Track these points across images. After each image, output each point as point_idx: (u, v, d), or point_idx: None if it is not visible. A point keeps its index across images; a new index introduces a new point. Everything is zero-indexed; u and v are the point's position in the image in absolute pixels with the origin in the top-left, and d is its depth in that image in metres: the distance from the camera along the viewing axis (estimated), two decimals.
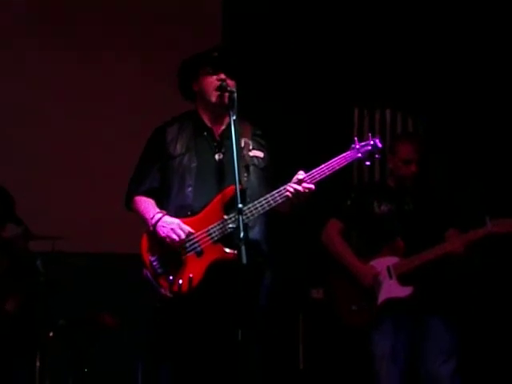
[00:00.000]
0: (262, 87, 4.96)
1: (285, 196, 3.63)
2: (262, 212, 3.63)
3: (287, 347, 5.46)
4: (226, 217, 3.59)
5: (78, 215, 5.57)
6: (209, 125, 3.81)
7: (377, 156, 3.79)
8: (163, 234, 3.62)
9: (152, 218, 3.66)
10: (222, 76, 3.72)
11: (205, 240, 3.63)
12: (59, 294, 4.92)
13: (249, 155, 3.76)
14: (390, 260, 4.51)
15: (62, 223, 5.33)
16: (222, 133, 3.77)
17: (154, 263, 3.65)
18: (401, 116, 5.94)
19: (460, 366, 4.46)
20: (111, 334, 5.08)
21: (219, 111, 3.74)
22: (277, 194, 3.64)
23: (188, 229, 3.62)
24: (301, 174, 3.64)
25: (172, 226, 3.61)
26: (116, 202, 4.26)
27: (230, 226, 3.56)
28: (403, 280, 4.47)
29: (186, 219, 3.66)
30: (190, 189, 3.70)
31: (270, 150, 3.86)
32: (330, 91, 5.79)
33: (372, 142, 3.75)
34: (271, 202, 3.63)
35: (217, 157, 3.75)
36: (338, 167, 3.67)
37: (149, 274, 3.65)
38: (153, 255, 3.66)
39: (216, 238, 3.62)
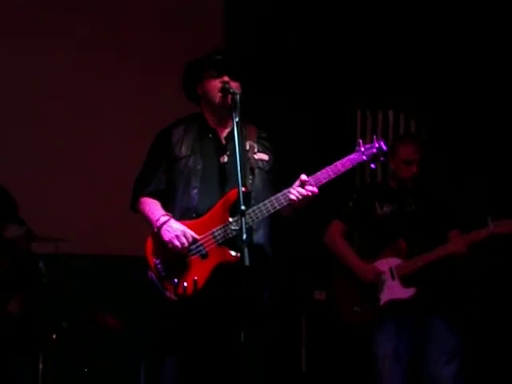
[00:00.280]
0: (264, 89, 4.94)
1: (289, 199, 3.62)
2: (266, 215, 3.63)
3: (290, 349, 5.45)
4: (230, 219, 3.59)
5: (81, 217, 5.56)
6: (214, 127, 3.82)
7: (382, 159, 3.79)
8: (167, 239, 3.62)
9: (157, 221, 3.66)
10: (226, 78, 3.72)
11: (209, 243, 3.63)
12: (62, 295, 4.92)
13: (254, 158, 3.76)
14: (393, 261, 4.52)
15: (64, 225, 5.33)
16: (228, 135, 3.77)
17: (159, 266, 3.65)
18: (403, 117, 5.94)
19: (463, 367, 4.46)
20: (114, 336, 5.07)
21: (224, 114, 3.74)
22: (281, 197, 3.63)
23: (192, 235, 3.62)
24: (304, 177, 3.64)
25: (177, 233, 3.61)
26: (119, 204, 4.27)
27: (233, 228, 3.57)
28: (406, 281, 4.47)
29: (190, 221, 3.66)
30: (195, 191, 3.70)
31: (274, 152, 3.87)
32: (333, 92, 5.79)
33: (377, 145, 3.74)
34: (276, 204, 3.63)
35: (222, 159, 3.75)
36: (342, 170, 3.67)
37: (154, 277, 3.65)
38: (157, 258, 3.66)
39: (220, 241, 3.62)
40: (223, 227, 3.62)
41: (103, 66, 5.85)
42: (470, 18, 5.60)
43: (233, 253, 3.57)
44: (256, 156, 3.78)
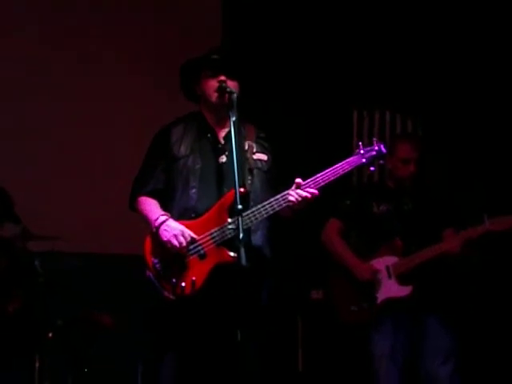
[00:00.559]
0: (261, 89, 4.95)
1: (288, 201, 3.62)
2: (265, 216, 3.63)
3: (287, 348, 5.46)
4: (229, 220, 3.58)
5: (77, 215, 5.56)
6: (213, 127, 3.81)
7: (381, 162, 3.80)
8: (165, 239, 3.62)
9: (156, 220, 3.65)
10: (223, 78, 3.72)
11: (208, 243, 3.62)
12: (57, 294, 4.91)
13: (252, 158, 3.76)
14: (389, 260, 4.53)
15: (60, 223, 5.33)
16: (226, 135, 3.76)
17: (157, 265, 3.64)
18: (400, 117, 5.95)
19: (459, 365, 4.46)
20: (110, 334, 5.07)
21: (222, 113, 3.72)
22: (281, 199, 3.63)
23: (191, 235, 3.61)
24: (299, 181, 3.64)
25: (175, 232, 3.60)
26: (115, 203, 4.27)
27: (230, 227, 3.56)
28: (402, 280, 4.48)
29: (189, 221, 3.66)
30: (193, 190, 3.70)
31: (273, 152, 3.86)
32: (330, 92, 5.79)
33: (377, 148, 3.74)
34: (275, 206, 3.63)
35: (220, 159, 3.75)
36: (342, 172, 3.67)
37: (152, 276, 3.64)
38: (156, 257, 3.66)
39: (219, 242, 3.61)
40: (221, 228, 3.61)
41: (102, 66, 5.84)
42: (464, 18, 5.61)
43: (231, 253, 3.55)
44: (255, 156, 3.77)
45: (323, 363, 5.49)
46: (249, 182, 3.70)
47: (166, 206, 3.74)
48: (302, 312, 5.51)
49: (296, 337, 5.48)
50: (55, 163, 5.67)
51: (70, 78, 5.75)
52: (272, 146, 3.88)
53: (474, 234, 4.39)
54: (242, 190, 3.58)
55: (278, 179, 3.80)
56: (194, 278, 3.59)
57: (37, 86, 5.67)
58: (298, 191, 3.62)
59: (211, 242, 3.62)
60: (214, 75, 3.74)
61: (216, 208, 3.65)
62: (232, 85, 3.72)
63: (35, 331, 4.82)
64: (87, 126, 5.71)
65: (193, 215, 3.68)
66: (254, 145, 3.80)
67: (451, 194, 4.98)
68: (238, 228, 3.38)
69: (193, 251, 3.63)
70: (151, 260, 3.66)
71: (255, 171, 3.75)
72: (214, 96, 3.73)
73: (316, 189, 3.63)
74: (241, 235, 3.36)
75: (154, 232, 3.66)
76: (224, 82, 3.71)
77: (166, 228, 3.63)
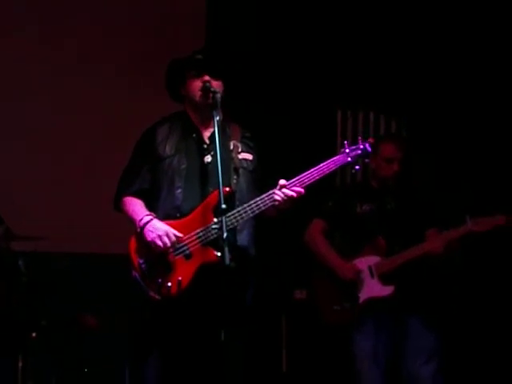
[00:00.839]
0: (245, 89, 4.96)
1: (274, 199, 3.63)
2: (251, 215, 3.64)
3: (270, 349, 5.46)
4: (215, 219, 3.58)
5: (61, 215, 5.54)
6: (198, 127, 3.82)
7: (366, 160, 3.82)
8: (149, 239, 3.62)
9: (140, 221, 3.65)
10: (206, 78, 3.72)
11: (193, 243, 3.63)
12: (42, 294, 4.90)
13: (238, 158, 3.76)
14: (372, 259, 4.54)
15: (44, 223, 5.32)
16: (211, 135, 3.75)
17: (143, 265, 3.64)
18: (384, 117, 5.97)
19: (442, 365, 4.48)
20: (95, 335, 5.07)
21: (207, 113, 3.72)
22: (266, 198, 3.64)
23: (176, 235, 3.61)
24: (282, 182, 3.65)
25: (159, 233, 3.60)
26: (100, 203, 4.26)
27: (214, 227, 3.57)
28: (385, 279, 4.49)
29: (175, 221, 3.66)
30: (179, 190, 3.70)
31: (258, 151, 3.87)
32: (314, 93, 5.80)
33: (362, 146, 3.76)
34: (260, 205, 3.64)
35: (205, 159, 3.76)
36: (327, 171, 3.68)
37: (137, 276, 3.64)
38: (141, 257, 3.66)
39: (204, 241, 3.62)
40: (206, 228, 3.62)
41: (89, 65, 5.83)
42: (448, 20, 5.64)
43: (217, 253, 3.55)
44: (240, 156, 3.78)
45: (307, 363, 5.49)
46: (234, 181, 3.71)
47: (151, 206, 3.74)
48: (285, 312, 5.51)
49: (280, 337, 5.48)
50: (40, 163, 5.65)
51: (57, 74, 5.74)
52: (257, 145, 3.89)
53: (457, 234, 4.40)
54: (227, 189, 3.60)
55: (263, 179, 3.80)
56: (179, 278, 3.60)
57: (22, 84, 5.65)
58: (284, 190, 3.63)
59: (197, 241, 3.63)
60: (198, 75, 3.74)
61: (201, 208, 3.66)
62: (216, 85, 3.72)
63: (19, 331, 4.81)
64: (73, 127, 5.70)
65: (178, 215, 3.68)
66: (239, 144, 3.81)
67: (435, 194, 4.99)
68: (221, 228, 3.39)
69: (178, 251, 3.63)
70: (137, 260, 3.66)
71: (241, 171, 3.76)
72: (198, 96, 3.74)
73: (302, 188, 3.64)
74: (225, 235, 3.37)
75: (139, 232, 3.66)
76: (208, 82, 3.72)
77: (150, 228, 3.63)
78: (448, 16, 5.65)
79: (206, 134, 3.81)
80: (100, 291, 5.26)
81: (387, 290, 4.47)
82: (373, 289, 4.49)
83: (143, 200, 3.76)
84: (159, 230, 3.62)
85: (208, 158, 3.76)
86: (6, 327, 4.81)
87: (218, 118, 3.60)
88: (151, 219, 3.65)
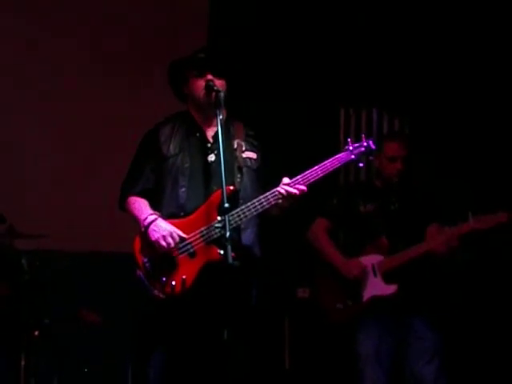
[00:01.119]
0: (248, 88, 4.95)
1: (277, 198, 3.63)
2: (254, 213, 3.63)
3: (273, 347, 5.46)
4: (219, 218, 3.58)
5: (64, 214, 5.55)
6: (201, 126, 3.81)
7: (370, 158, 3.82)
8: (153, 239, 3.62)
9: (145, 220, 3.65)
10: (209, 76, 3.72)
11: (197, 242, 3.63)
12: (44, 292, 4.90)
13: (242, 156, 3.76)
14: (375, 258, 4.54)
15: (47, 222, 5.32)
16: (215, 134, 3.74)
17: (147, 264, 3.64)
18: (387, 116, 5.96)
19: (445, 365, 4.48)
20: (98, 334, 5.07)
21: (210, 112, 3.72)
22: (270, 196, 3.64)
23: (180, 235, 3.62)
24: (286, 180, 3.65)
25: (163, 233, 3.61)
26: (102, 201, 4.26)
27: (216, 225, 3.57)
28: (388, 278, 4.49)
29: (179, 220, 3.66)
30: (183, 189, 3.70)
31: (262, 150, 3.87)
32: (317, 91, 5.79)
33: (366, 144, 3.76)
34: (264, 203, 3.64)
35: (209, 158, 3.75)
36: (331, 169, 3.68)
37: (142, 275, 3.64)
38: (145, 256, 3.65)
39: (208, 240, 3.61)
40: (210, 226, 3.61)
41: (90, 65, 5.83)
42: (451, 18, 5.63)
43: (221, 251, 3.55)
44: (244, 154, 3.78)
45: (310, 361, 5.49)
46: (238, 180, 3.70)
47: (155, 206, 3.74)
48: (288, 310, 5.52)
49: (283, 335, 5.48)
50: (41, 162, 5.65)
51: (59, 77, 5.74)
52: (261, 144, 3.89)
53: (459, 231, 4.40)
54: (231, 188, 3.60)
55: (266, 177, 3.80)
56: (184, 277, 3.60)
57: (24, 86, 5.65)
58: (287, 188, 3.63)
59: (200, 240, 3.63)
60: (201, 74, 3.74)
61: (205, 207, 3.65)
62: (219, 83, 3.72)
63: (21, 329, 4.81)
64: (75, 125, 5.69)
65: (182, 214, 3.68)
66: (243, 143, 3.80)
67: (437, 193, 4.99)
68: (224, 226, 3.39)
69: (182, 250, 3.63)
70: (141, 259, 3.66)
71: (244, 169, 3.75)
72: (201, 95, 3.73)
73: (305, 185, 3.64)
74: (227, 233, 3.37)
75: (143, 232, 3.66)
76: (211, 80, 3.71)
77: (154, 228, 3.63)
78: (450, 15, 5.64)
79: (210, 133, 3.80)
80: (103, 290, 5.27)
81: (390, 289, 4.47)
82: (376, 287, 4.50)
83: (147, 199, 3.76)
84: (163, 230, 3.62)
85: (211, 157, 3.75)
86: (9, 325, 4.81)
87: (221, 116, 3.59)
88: (155, 218, 3.65)
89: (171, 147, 3.77)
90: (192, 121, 3.82)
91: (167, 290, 3.59)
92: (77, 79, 5.76)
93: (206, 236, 3.62)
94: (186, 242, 3.63)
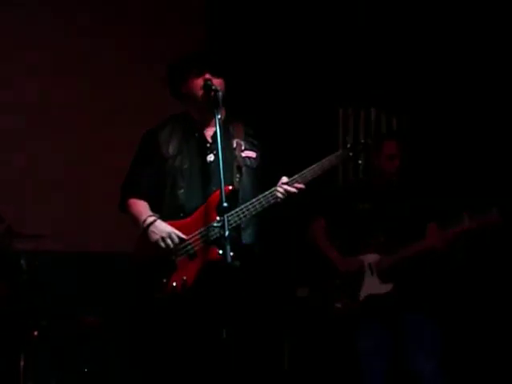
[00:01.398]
0: (247, 87, 4.97)
1: (276, 197, 3.64)
2: (254, 213, 3.64)
3: (272, 346, 5.46)
4: (218, 218, 3.58)
5: (63, 214, 5.55)
6: (200, 126, 3.81)
7: (367, 155, 3.85)
8: (153, 240, 3.63)
9: (144, 222, 3.66)
10: (208, 76, 3.72)
11: (197, 242, 3.63)
12: (43, 292, 4.90)
13: (241, 156, 3.76)
14: (372, 257, 4.55)
15: (45, 222, 5.32)
16: (214, 134, 3.74)
17: (148, 265, 3.65)
18: (385, 115, 5.97)
19: (443, 363, 4.48)
20: (96, 334, 5.07)
21: (209, 112, 3.70)
22: (269, 195, 3.65)
23: (179, 236, 3.63)
24: (285, 179, 3.66)
25: (162, 235, 3.62)
26: (101, 201, 4.26)
27: (215, 225, 3.57)
28: (384, 277, 4.51)
29: (178, 221, 3.67)
30: (181, 190, 3.71)
31: (262, 149, 3.87)
32: (315, 90, 5.80)
33: (363, 141, 3.79)
34: (263, 202, 3.64)
35: (208, 158, 3.75)
36: (329, 167, 3.70)
37: (142, 276, 3.65)
38: (146, 257, 3.66)
39: (208, 240, 3.62)
40: (209, 226, 3.62)
41: (90, 65, 5.83)
42: (448, 18, 5.64)
43: (220, 251, 3.56)
44: (243, 154, 3.77)
45: (309, 361, 5.50)
46: (237, 179, 3.70)
47: (155, 207, 3.74)
48: (287, 310, 5.52)
49: (282, 334, 5.49)
50: (41, 162, 5.65)
51: (59, 78, 5.75)
52: (261, 143, 3.89)
53: (454, 231, 4.42)
54: (229, 187, 3.60)
55: (266, 176, 3.80)
56: (184, 278, 3.61)
57: (23, 86, 5.65)
58: (286, 187, 3.64)
59: (200, 241, 3.63)
60: (199, 74, 3.73)
61: (204, 207, 3.66)
62: (217, 83, 3.71)
63: (20, 330, 4.81)
64: (75, 125, 5.70)
65: (182, 215, 3.69)
66: (243, 142, 3.80)
67: (435, 192, 5.00)
68: (223, 226, 3.39)
69: (182, 251, 3.64)
70: (141, 260, 3.67)
71: (244, 169, 3.75)
72: (200, 94, 3.73)
73: (304, 184, 3.65)
74: (226, 233, 3.37)
75: (143, 233, 3.66)
76: (209, 80, 3.71)
77: (153, 229, 3.64)
78: (448, 13, 5.64)
79: (209, 134, 3.80)
80: (101, 290, 5.27)
81: (386, 288, 4.48)
82: (372, 286, 4.52)
83: (147, 201, 3.76)
84: (162, 231, 3.63)
85: (210, 157, 3.75)
86: (8, 326, 4.80)
87: (219, 116, 3.59)
88: (154, 220, 3.66)
89: (170, 148, 3.77)
90: (191, 121, 3.82)
91: (168, 291, 3.60)
92: (76, 79, 5.77)
93: (205, 236, 3.62)
94: (186, 242, 3.63)
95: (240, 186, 3.70)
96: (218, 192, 3.57)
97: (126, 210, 3.81)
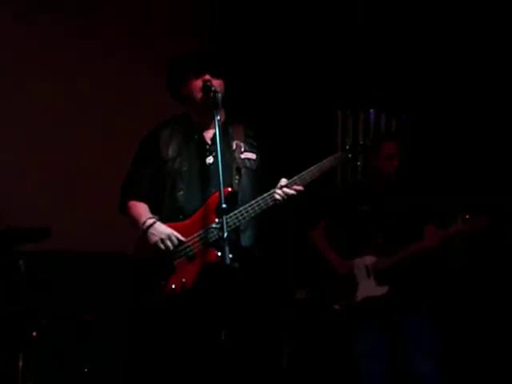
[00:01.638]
0: (246, 89, 4.97)
1: (275, 199, 3.65)
2: (253, 215, 3.65)
3: (271, 348, 5.46)
4: (217, 220, 3.59)
5: (62, 214, 5.54)
6: (200, 128, 3.81)
7: (366, 156, 3.86)
8: (152, 242, 3.64)
9: (143, 224, 3.67)
10: (207, 77, 3.72)
11: (196, 245, 3.64)
12: (42, 292, 4.90)
13: (240, 157, 3.76)
14: (369, 259, 4.57)
15: (44, 222, 5.31)
16: (213, 136, 3.75)
17: (146, 267, 3.65)
18: (384, 117, 5.98)
19: (441, 364, 4.49)
20: (95, 334, 5.07)
21: (209, 114, 3.70)
22: (267, 197, 3.66)
23: (178, 238, 3.63)
24: (284, 181, 3.66)
25: (162, 236, 3.62)
26: (100, 201, 4.26)
27: (214, 226, 3.57)
28: (381, 279, 4.51)
29: (178, 224, 3.67)
30: (180, 193, 3.71)
31: (262, 150, 3.87)
32: (314, 92, 5.80)
33: (362, 143, 3.80)
34: (262, 204, 3.65)
35: (208, 160, 3.76)
36: (328, 168, 3.70)
37: (141, 278, 3.65)
38: (145, 259, 3.67)
39: (207, 243, 3.62)
40: (208, 228, 3.63)
41: (90, 65, 5.82)
42: (448, 18, 5.64)
43: (219, 253, 3.56)
44: (243, 155, 3.78)
45: (307, 362, 5.50)
46: (236, 181, 3.71)
47: (155, 209, 3.75)
48: (286, 311, 5.52)
49: (280, 336, 5.49)
50: (40, 162, 5.65)
51: (59, 74, 5.74)
52: (261, 144, 3.89)
53: (448, 234, 4.43)
54: (229, 189, 3.61)
55: (265, 178, 3.81)
56: (183, 280, 3.61)
57: (24, 86, 5.66)
58: (285, 189, 3.65)
59: (200, 243, 3.64)
60: (199, 75, 3.74)
61: (203, 209, 3.67)
62: (217, 84, 3.71)
63: (19, 330, 4.81)
64: (75, 125, 5.70)
65: (181, 217, 3.70)
66: (242, 144, 3.80)
67: (433, 192, 5.00)
68: (221, 228, 3.39)
69: (181, 253, 3.64)
70: (140, 262, 3.67)
71: (243, 170, 3.76)
72: (199, 95, 3.73)
73: (303, 185, 3.65)
74: (225, 235, 3.37)
75: (142, 235, 3.67)
76: (209, 81, 3.71)
77: (153, 231, 3.65)
78: (447, 14, 5.64)
79: (208, 135, 3.81)
80: (101, 291, 5.26)
81: (382, 290, 4.49)
82: (368, 288, 4.53)
83: (147, 203, 3.77)
84: (162, 233, 3.63)
85: (210, 159, 3.76)
86: (7, 326, 4.81)
87: (218, 117, 3.59)
88: (154, 222, 3.66)
89: (170, 150, 3.77)
90: (190, 123, 3.83)
91: (167, 293, 3.60)
92: (76, 79, 5.77)
93: (205, 238, 3.63)
94: (185, 245, 3.64)
95: (239, 188, 3.71)
96: (217, 194, 3.57)
97: (125, 211, 3.82)
